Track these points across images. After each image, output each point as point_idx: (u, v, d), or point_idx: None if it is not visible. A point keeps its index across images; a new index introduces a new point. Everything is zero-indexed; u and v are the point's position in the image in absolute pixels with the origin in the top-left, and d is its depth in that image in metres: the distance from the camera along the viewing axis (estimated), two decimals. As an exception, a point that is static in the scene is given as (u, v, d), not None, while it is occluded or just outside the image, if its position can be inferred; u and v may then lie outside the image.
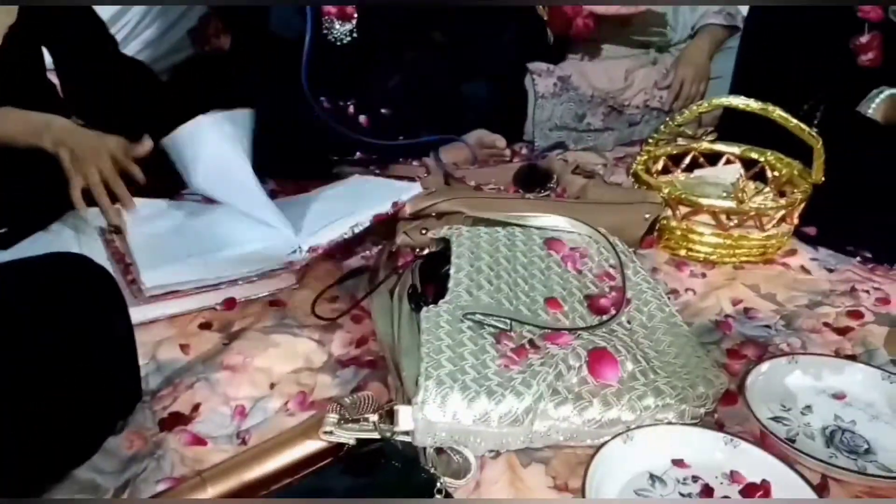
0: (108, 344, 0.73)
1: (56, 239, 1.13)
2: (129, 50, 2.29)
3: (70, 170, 1.06)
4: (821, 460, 0.76)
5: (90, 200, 1.11)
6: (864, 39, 1.28)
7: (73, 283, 0.72)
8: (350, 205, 1.18)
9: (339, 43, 1.62)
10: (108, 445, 0.77)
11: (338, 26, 1.61)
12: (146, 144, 1.12)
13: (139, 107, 1.34)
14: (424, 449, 0.74)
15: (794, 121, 1.09)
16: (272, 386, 0.88)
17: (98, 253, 1.12)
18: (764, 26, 1.46)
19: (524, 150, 1.75)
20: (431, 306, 0.87)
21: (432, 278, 1.00)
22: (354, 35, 1.64)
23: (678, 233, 1.18)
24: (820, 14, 1.34)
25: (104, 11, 1.87)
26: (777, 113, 1.08)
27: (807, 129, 1.09)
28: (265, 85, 1.61)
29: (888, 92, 1.28)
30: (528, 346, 0.84)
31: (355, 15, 1.61)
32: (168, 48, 2.27)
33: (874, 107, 1.27)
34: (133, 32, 2.25)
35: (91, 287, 0.73)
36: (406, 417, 0.72)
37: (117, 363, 0.75)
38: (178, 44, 2.27)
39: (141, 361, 0.92)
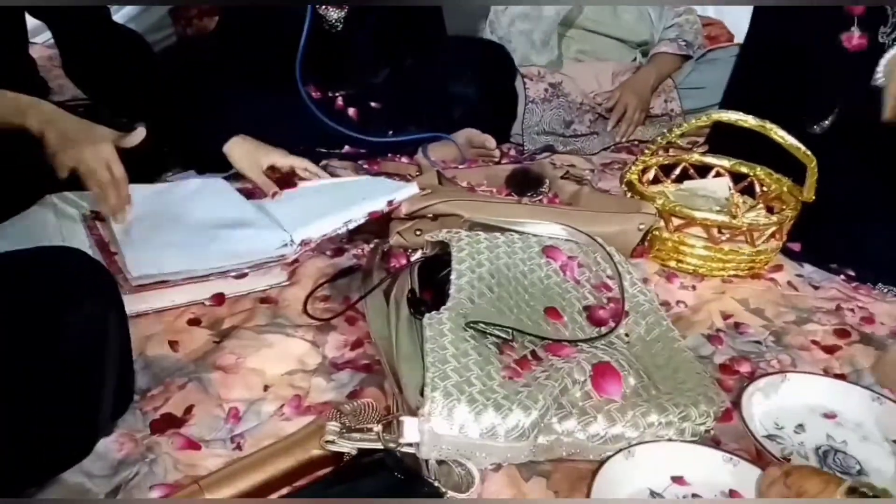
0: (103, 342, 0.70)
1: (36, 223, 1.08)
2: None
3: (58, 151, 1.01)
4: (817, 481, 0.77)
5: (71, 185, 1.07)
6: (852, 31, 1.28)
7: (67, 280, 0.69)
8: (344, 200, 1.16)
9: (332, 30, 1.59)
10: (97, 448, 0.74)
11: (332, 13, 1.58)
12: (139, 133, 1.07)
13: (135, 76, 1.31)
14: (427, 461, 0.73)
15: (791, 139, 1.10)
16: (266, 388, 0.86)
17: (80, 238, 1.08)
18: (763, 41, 1.46)
19: (513, 152, 1.75)
20: (434, 313, 0.86)
21: (429, 283, 0.99)
22: (343, 21, 1.61)
23: (669, 244, 1.19)
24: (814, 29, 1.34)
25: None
26: (775, 131, 1.09)
27: (802, 148, 1.10)
28: (255, 70, 1.57)
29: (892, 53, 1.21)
30: (530, 358, 0.83)
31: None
32: (148, 26, 2.20)
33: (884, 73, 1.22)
34: (112, 7, 2.18)
35: (87, 284, 0.70)
36: (412, 429, 0.71)
37: (113, 362, 0.72)
38: (158, 22, 2.21)
39: (128, 358, 0.90)
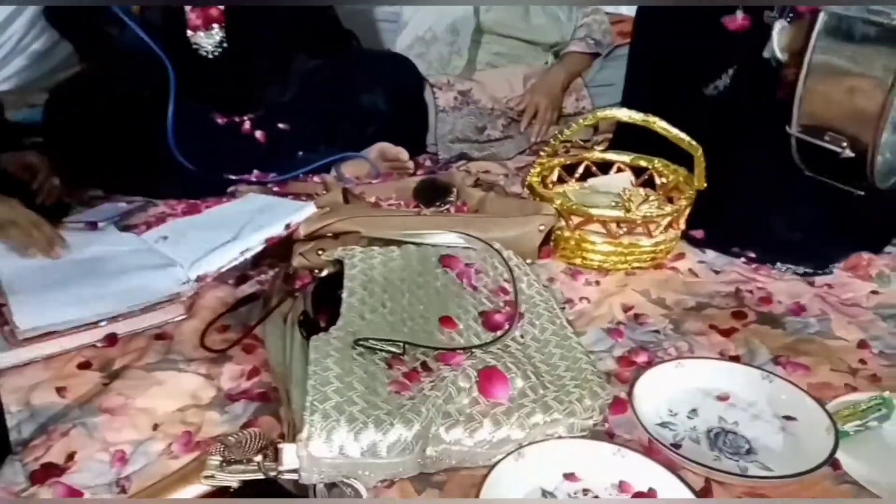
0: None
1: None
2: (15, 65, 2.18)
3: None
4: (703, 464, 0.78)
5: None
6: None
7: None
8: (240, 227, 1.15)
9: (210, 56, 1.58)
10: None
11: (203, 38, 1.57)
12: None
13: None
14: (314, 485, 0.72)
15: (674, 131, 1.13)
16: (155, 427, 0.84)
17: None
18: (651, 31, 1.49)
19: (427, 162, 1.75)
20: (322, 334, 0.85)
21: (328, 302, 0.98)
22: (225, 45, 1.59)
23: (572, 242, 1.20)
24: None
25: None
26: (658, 124, 1.12)
27: (686, 138, 1.13)
28: (143, 102, 1.55)
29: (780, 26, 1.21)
30: (420, 370, 0.83)
31: (222, 23, 1.57)
32: (55, 63, 2.17)
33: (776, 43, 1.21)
34: (18, 46, 2.14)
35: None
36: (290, 455, 0.70)
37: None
38: (66, 59, 2.17)
39: (13, 409, 0.87)
